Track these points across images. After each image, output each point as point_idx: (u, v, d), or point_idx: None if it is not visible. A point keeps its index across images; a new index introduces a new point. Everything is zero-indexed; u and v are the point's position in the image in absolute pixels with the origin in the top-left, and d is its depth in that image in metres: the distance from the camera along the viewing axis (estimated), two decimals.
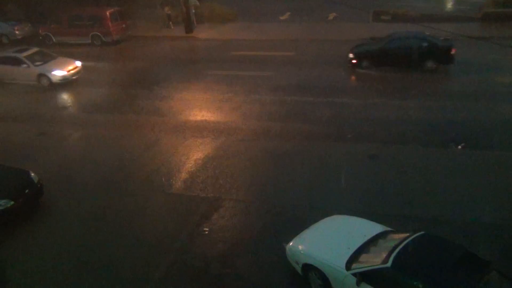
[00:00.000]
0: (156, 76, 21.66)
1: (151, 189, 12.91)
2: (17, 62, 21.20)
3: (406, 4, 29.82)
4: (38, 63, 21.17)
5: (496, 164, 12.85)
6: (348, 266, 8.40)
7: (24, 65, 21.08)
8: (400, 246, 8.12)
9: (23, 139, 16.22)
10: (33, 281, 9.93)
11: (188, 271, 9.96)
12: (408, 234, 8.52)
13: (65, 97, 20.45)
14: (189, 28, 28.26)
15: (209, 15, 30.53)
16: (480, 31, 24.59)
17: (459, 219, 10.77)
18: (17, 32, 29.11)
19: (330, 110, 16.80)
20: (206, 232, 11.05)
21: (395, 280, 7.73)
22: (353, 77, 20.32)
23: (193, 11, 29.42)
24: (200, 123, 16.59)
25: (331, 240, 9.23)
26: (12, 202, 11.50)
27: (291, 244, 9.53)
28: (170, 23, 29.57)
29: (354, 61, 20.35)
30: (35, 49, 22.20)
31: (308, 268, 9.04)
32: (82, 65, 22.01)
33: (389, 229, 9.39)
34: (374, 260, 8.18)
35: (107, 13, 26.89)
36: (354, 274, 8.17)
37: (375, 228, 9.38)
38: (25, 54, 21.44)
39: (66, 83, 21.07)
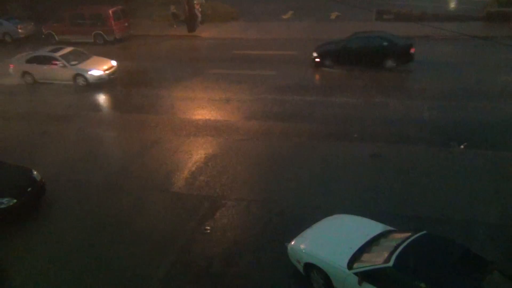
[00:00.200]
0: (157, 75, 21.66)
1: (152, 187, 12.93)
2: (52, 61, 20.71)
3: (409, 3, 29.74)
4: (73, 62, 20.68)
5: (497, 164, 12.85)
6: (350, 265, 8.39)
7: (60, 65, 20.61)
8: (402, 246, 8.11)
9: (24, 137, 16.32)
10: (34, 279, 9.95)
11: (190, 270, 9.97)
12: (410, 234, 8.51)
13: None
14: (191, 27, 28.26)
15: (212, 14, 30.53)
16: (483, 30, 24.50)
17: (461, 219, 10.75)
18: (20, 30, 29.13)
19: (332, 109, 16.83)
20: (208, 231, 11.06)
21: (397, 279, 7.72)
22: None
23: (200, 9, 29.46)
24: (201, 122, 16.59)
25: (333, 239, 9.22)
26: (15, 200, 11.54)
27: (293, 243, 9.53)
28: (175, 22, 29.54)
29: (317, 59, 20.83)
30: (69, 48, 21.65)
31: (310, 267, 9.04)
32: (117, 64, 21.63)
33: (391, 228, 9.39)
34: (376, 259, 8.17)
35: (110, 12, 26.89)
36: (356, 274, 8.16)
37: (377, 227, 9.37)
38: (60, 53, 20.90)
39: (102, 83, 20.63)
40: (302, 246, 9.29)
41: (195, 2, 29.15)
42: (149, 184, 13.10)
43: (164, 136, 15.71)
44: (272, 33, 27.07)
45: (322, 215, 10.28)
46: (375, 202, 11.59)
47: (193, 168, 13.66)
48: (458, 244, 8.26)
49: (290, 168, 13.41)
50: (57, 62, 20.61)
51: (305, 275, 9.24)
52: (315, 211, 10.90)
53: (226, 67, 22.18)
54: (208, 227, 11.18)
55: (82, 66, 20.62)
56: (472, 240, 9.71)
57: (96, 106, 19.34)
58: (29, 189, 11.99)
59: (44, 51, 21.52)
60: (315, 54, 20.90)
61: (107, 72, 20.77)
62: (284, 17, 30.95)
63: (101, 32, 27.21)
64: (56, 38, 28.03)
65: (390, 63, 19.82)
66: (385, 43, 19.73)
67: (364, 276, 8.04)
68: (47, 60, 20.86)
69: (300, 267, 9.28)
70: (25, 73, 21.23)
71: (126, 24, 28.17)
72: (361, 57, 19.90)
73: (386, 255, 8.07)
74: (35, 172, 12.55)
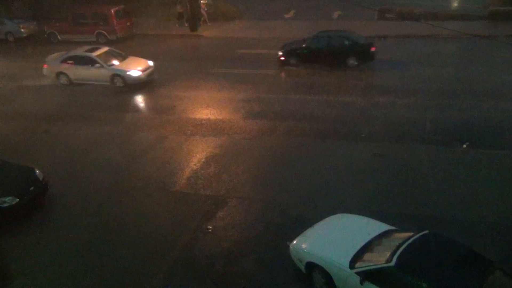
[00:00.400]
0: (157, 74, 21.64)
1: (155, 187, 12.93)
2: (90, 62, 20.20)
3: (412, 2, 29.69)
4: (110, 63, 20.25)
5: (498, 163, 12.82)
6: (352, 264, 8.39)
7: (97, 65, 20.11)
8: (404, 245, 8.10)
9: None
10: (37, 278, 9.97)
11: (192, 268, 9.98)
12: (412, 233, 8.49)
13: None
14: (193, 27, 28.27)
15: (214, 13, 30.54)
16: (487, 29, 24.43)
17: (463, 218, 10.72)
18: (22, 30, 29.18)
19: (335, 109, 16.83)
20: (210, 230, 11.07)
21: (399, 279, 7.71)
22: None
23: (205, 9, 29.48)
24: (203, 121, 16.59)
25: (335, 238, 9.22)
26: (17, 200, 11.57)
27: (294, 242, 9.53)
28: (181, 21, 29.51)
29: (282, 58, 21.11)
30: (105, 48, 21.11)
31: (311, 266, 9.04)
32: (154, 64, 21.11)
33: (393, 228, 9.37)
34: (378, 259, 8.16)
35: (112, 11, 26.94)
36: (358, 273, 8.16)
37: (379, 226, 9.36)
38: (96, 53, 20.37)
39: (140, 84, 20.15)
40: (304, 246, 9.28)
41: (201, 1, 29.20)
42: (152, 182, 13.10)
43: (166, 135, 15.71)
44: (275, 32, 27.06)
45: (324, 214, 10.27)
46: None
47: (196, 167, 13.66)
48: (460, 244, 8.25)
49: (293, 166, 13.40)
50: (95, 63, 20.21)
51: (307, 274, 9.23)
52: (317, 210, 10.90)
53: (227, 66, 22.18)
54: (210, 226, 11.18)
55: (119, 66, 20.28)
56: (474, 239, 9.68)
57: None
58: (31, 188, 12.02)
59: (80, 51, 20.97)
60: (280, 53, 21.18)
61: (145, 72, 20.25)
62: (287, 16, 30.96)
63: (103, 31, 27.26)
64: (59, 37, 28.10)
65: (352, 61, 20.14)
66: (347, 42, 20.11)
67: (366, 275, 8.04)
68: (83, 61, 20.36)
69: (302, 266, 9.27)
70: (60, 73, 20.70)
71: (129, 23, 28.22)
72: (324, 56, 20.28)
73: (388, 254, 8.06)
74: (37, 171, 12.57)
